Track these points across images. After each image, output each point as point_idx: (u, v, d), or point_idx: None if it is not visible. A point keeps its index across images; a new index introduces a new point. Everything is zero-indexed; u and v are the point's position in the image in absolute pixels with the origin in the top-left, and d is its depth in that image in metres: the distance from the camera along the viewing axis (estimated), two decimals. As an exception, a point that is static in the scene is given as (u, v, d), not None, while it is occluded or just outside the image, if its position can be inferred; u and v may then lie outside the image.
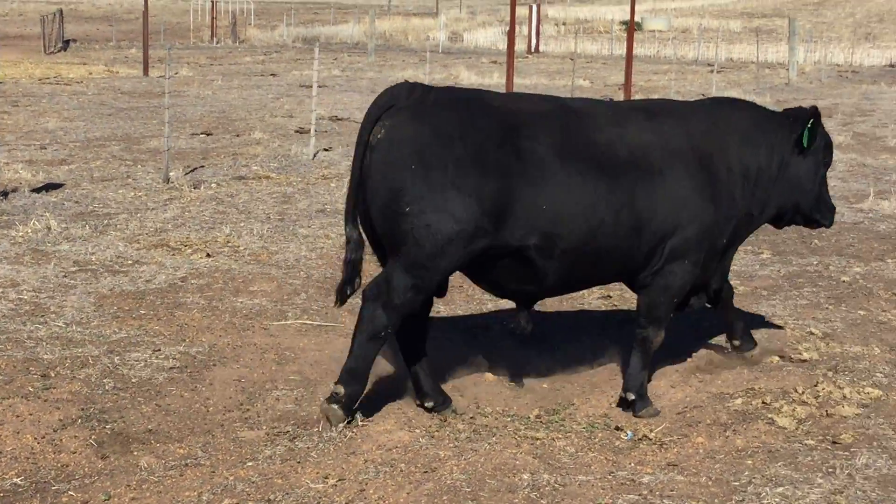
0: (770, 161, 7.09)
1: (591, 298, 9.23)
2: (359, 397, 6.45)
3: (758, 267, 10.39)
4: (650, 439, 6.45)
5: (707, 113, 7.04)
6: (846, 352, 7.94)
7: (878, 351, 7.94)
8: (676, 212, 6.64)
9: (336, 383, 6.39)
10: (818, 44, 40.94)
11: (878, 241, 11.27)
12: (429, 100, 6.30)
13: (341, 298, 6.56)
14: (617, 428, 6.62)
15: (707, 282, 7.28)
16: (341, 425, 6.34)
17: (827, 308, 9.01)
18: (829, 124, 20.79)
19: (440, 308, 8.88)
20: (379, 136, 6.19)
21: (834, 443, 6.38)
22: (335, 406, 6.33)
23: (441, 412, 6.70)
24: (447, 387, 7.01)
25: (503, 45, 43.22)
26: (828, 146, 7.40)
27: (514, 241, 6.31)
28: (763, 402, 6.95)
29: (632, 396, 6.86)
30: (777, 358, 7.78)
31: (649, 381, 7.10)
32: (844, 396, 7.05)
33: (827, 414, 6.78)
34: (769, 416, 6.75)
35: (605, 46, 41.98)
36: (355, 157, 6.28)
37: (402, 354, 6.84)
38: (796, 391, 7.11)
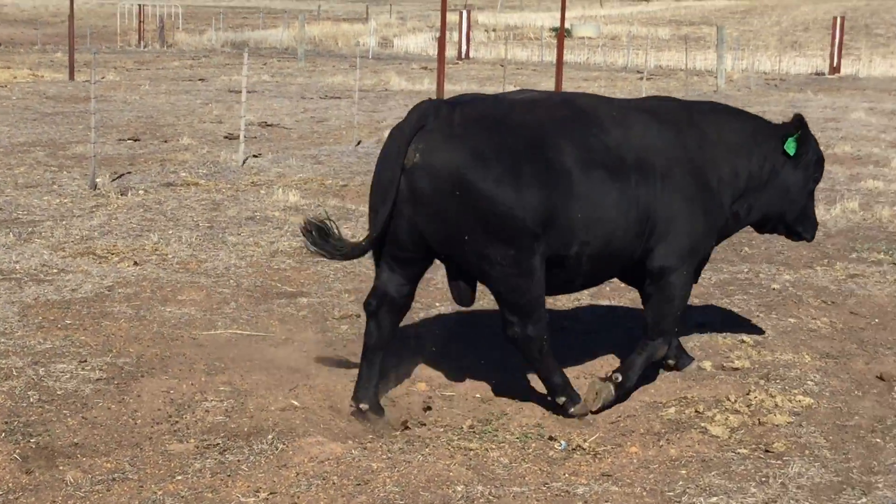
0: (761, 168, 7.27)
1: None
2: (580, 399, 6.84)
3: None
4: (584, 449, 6.44)
5: (704, 119, 7.20)
6: (777, 360, 7.99)
7: (808, 359, 8.00)
8: (673, 215, 6.83)
9: (559, 400, 6.79)
10: (745, 52, 41.38)
11: (807, 249, 11.35)
12: (456, 118, 6.34)
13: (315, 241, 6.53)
14: (550, 438, 6.60)
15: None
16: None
17: (758, 316, 9.06)
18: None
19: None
20: (416, 162, 6.25)
21: (767, 451, 6.41)
22: (579, 406, 6.80)
23: (371, 420, 6.71)
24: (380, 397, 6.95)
25: (433, 51, 43.23)
26: (819, 161, 7.57)
27: (556, 251, 6.52)
28: (696, 411, 6.97)
29: (620, 379, 7.01)
30: (709, 366, 7.81)
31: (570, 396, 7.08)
32: (776, 405, 7.09)
33: (759, 422, 6.82)
34: (702, 424, 6.77)
35: (536, 53, 42.11)
36: (391, 181, 6.27)
37: (366, 350, 6.79)
38: (729, 400, 7.13)
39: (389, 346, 6.91)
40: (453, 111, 6.39)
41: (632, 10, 76.37)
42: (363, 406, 6.72)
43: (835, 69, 35.95)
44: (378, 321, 6.75)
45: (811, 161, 7.49)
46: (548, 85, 29.73)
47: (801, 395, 7.24)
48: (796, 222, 7.64)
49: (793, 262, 10.96)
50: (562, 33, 23.34)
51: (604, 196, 6.55)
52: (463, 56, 39.77)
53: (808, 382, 7.54)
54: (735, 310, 9.24)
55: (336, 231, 6.55)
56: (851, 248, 11.44)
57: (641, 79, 30.05)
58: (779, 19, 67.49)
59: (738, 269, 10.56)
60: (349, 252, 6.60)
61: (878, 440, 6.60)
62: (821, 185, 14.35)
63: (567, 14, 53.19)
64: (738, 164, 7.19)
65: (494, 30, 55.24)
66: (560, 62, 22.98)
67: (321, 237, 6.48)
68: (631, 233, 6.70)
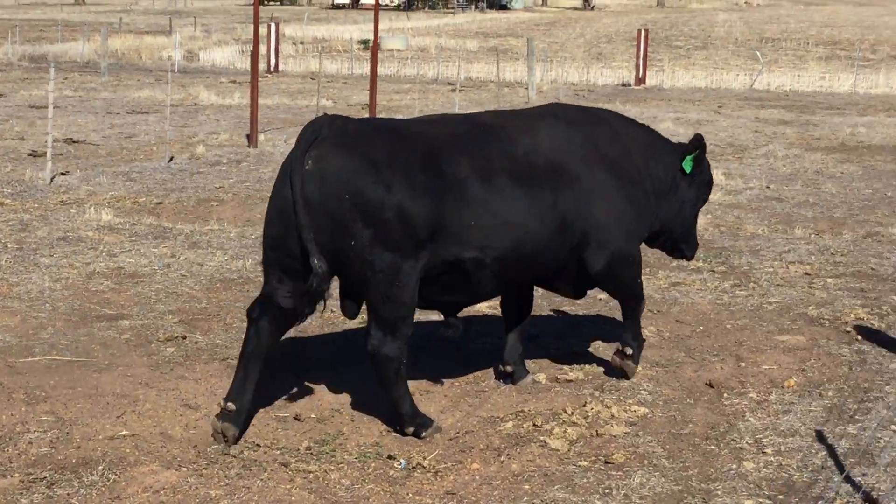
0: (665, 177, 7.66)
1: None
2: (431, 422, 6.86)
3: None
4: (424, 467, 6.38)
5: (608, 121, 7.59)
6: (610, 370, 8.07)
7: (639, 368, 8.10)
8: (599, 212, 7.16)
9: (407, 429, 6.78)
10: (553, 63, 42.06)
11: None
12: (349, 129, 6.57)
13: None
14: (389, 457, 6.53)
15: None
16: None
17: (588, 327, 9.16)
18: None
19: (197, 338, 8.63)
20: (308, 168, 6.37)
21: (607, 462, 6.46)
22: (430, 429, 6.81)
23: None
24: (206, 423, 6.76)
25: (241, 64, 42.73)
26: (709, 183, 8.00)
27: (450, 257, 6.68)
28: (534, 425, 6.98)
29: (630, 350, 7.67)
30: (544, 378, 7.86)
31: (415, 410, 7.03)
32: (612, 415, 7.16)
33: (597, 434, 6.87)
34: (541, 438, 6.79)
35: (346, 65, 41.97)
36: (292, 188, 6.36)
37: (243, 356, 6.76)
38: (566, 412, 7.18)
39: (269, 357, 6.81)
40: (347, 123, 6.64)
41: (438, 22, 76.97)
42: (231, 406, 6.60)
43: (640, 80, 36.79)
44: (258, 329, 6.68)
45: (703, 181, 7.90)
46: (360, 98, 29.72)
47: (635, 405, 7.33)
48: (681, 239, 8.03)
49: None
50: (375, 45, 23.31)
51: (508, 203, 6.76)
52: (272, 69, 39.41)
53: (642, 392, 7.65)
54: (565, 320, 9.32)
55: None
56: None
57: (454, 90, 30.23)
58: (583, 31, 68.92)
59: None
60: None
61: (713, 447, 6.72)
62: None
63: (372, 27, 53.16)
64: (649, 163, 7.57)
65: (302, 42, 54.92)
66: (374, 74, 22.95)
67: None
68: (547, 235, 6.95)
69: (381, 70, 33.30)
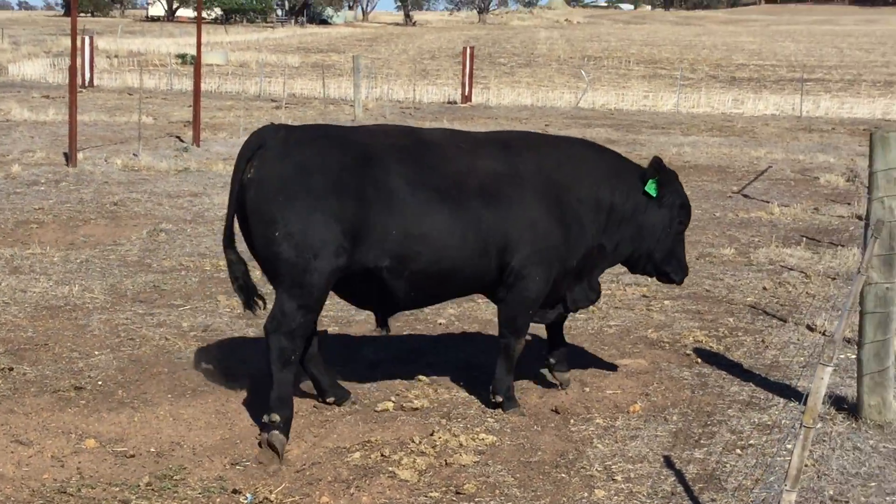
0: (624, 203, 7.87)
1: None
2: (290, 420, 7.11)
3: (354, 311, 10.44)
4: (272, 501, 6.30)
5: (564, 148, 7.97)
6: (455, 397, 8.10)
7: (485, 394, 8.15)
8: (520, 233, 7.41)
9: (270, 412, 7.01)
10: (378, 80, 42.20)
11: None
12: (292, 138, 7.10)
13: (251, 308, 7.50)
14: (235, 491, 6.43)
15: (563, 297, 8.03)
16: (285, 447, 7.00)
17: (429, 352, 9.17)
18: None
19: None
20: (249, 175, 6.99)
21: (458, 493, 6.47)
22: (276, 432, 6.95)
23: (342, 404, 7.76)
24: (39, 460, 6.56)
25: (53, 78, 41.79)
26: (683, 206, 8.13)
27: (369, 263, 7.13)
28: (382, 455, 6.96)
29: (499, 398, 7.78)
30: (391, 406, 7.84)
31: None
32: (461, 444, 7.18)
33: (446, 463, 6.88)
34: (390, 468, 6.77)
35: (164, 80, 41.37)
36: (231, 193, 7.07)
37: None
38: (413, 441, 7.17)
39: (321, 355, 7.80)
40: (291, 132, 7.21)
41: (258, 36, 76.50)
42: (329, 400, 7.78)
43: (466, 98, 37.17)
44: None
45: (674, 204, 8.05)
46: (182, 115, 29.29)
47: (483, 433, 7.37)
48: (664, 263, 8.18)
49: (454, 295, 11.17)
50: (199, 60, 23.00)
51: (430, 216, 7.15)
52: (87, 84, 38.57)
53: (489, 420, 7.69)
54: (406, 347, 9.32)
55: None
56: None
57: (278, 107, 30.09)
58: (405, 48, 69.34)
59: (402, 305, 10.64)
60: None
61: (563, 475, 6.79)
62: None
63: (189, 40, 52.44)
64: (599, 192, 7.78)
65: (117, 56, 53.97)
66: (198, 91, 22.64)
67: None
68: (468, 251, 7.27)
69: (202, 86, 32.88)
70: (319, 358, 7.85)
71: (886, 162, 7.33)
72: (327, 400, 7.83)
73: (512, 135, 8.10)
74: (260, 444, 7.06)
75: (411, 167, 7.23)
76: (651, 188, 7.92)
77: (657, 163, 7.97)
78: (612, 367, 8.91)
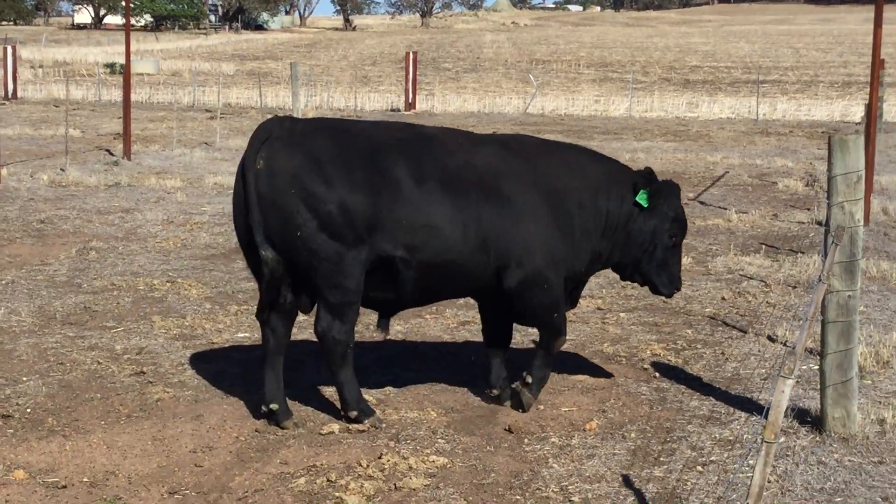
0: (619, 208, 8.17)
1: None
2: (372, 413, 7.90)
3: (295, 329, 10.40)
4: (213, 533, 6.27)
5: (562, 153, 8.31)
6: (404, 418, 8.09)
7: (434, 415, 8.16)
8: (523, 235, 7.77)
9: (351, 414, 7.83)
10: (318, 87, 42.16)
11: (412, 297, 11.58)
12: (297, 130, 7.53)
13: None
14: (173, 523, 6.38)
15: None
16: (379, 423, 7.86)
17: (376, 371, 9.16)
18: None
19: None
20: (259, 167, 7.39)
21: (409, 518, 6.46)
22: (372, 418, 7.84)
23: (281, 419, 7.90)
24: (-27, 493, 6.49)
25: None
26: (677, 220, 8.35)
27: (384, 252, 7.54)
28: (328, 480, 6.94)
29: (530, 379, 8.14)
30: (337, 429, 7.82)
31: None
32: (410, 467, 7.17)
33: (396, 487, 6.87)
34: (337, 494, 6.75)
35: (92, 91, 41.11)
36: (245, 185, 7.44)
37: (267, 356, 7.93)
38: (361, 465, 7.16)
39: (286, 351, 8.01)
40: (296, 123, 7.63)
41: (190, 43, 76.21)
42: (273, 406, 7.83)
43: (411, 105, 37.23)
44: (271, 329, 7.86)
45: (668, 216, 8.28)
46: (111, 127, 29.12)
47: (433, 455, 7.36)
48: (653, 274, 8.42)
49: (401, 313, 11.15)
50: (128, 69, 22.87)
51: (433, 207, 7.55)
52: (10, 96, 38.26)
53: (439, 441, 7.69)
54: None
55: None
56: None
57: (213, 118, 29.99)
58: (345, 53, 69.35)
59: (347, 322, 10.62)
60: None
61: (518, 497, 6.80)
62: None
63: (119, 48, 52.08)
64: (598, 198, 8.10)
65: (42, 66, 53.60)
66: (128, 102, 22.52)
67: None
68: (469, 246, 7.66)
69: (132, 96, 32.69)
70: (280, 362, 7.99)
71: (846, 165, 7.41)
72: (271, 406, 7.89)
73: (514, 136, 8.69)
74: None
75: (414, 159, 7.64)
76: (642, 199, 8.16)
77: (648, 174, 8.25)
78: (567, 384, 8.94)
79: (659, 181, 8.31)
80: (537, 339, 8.46)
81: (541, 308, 8.06)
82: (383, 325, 8.24)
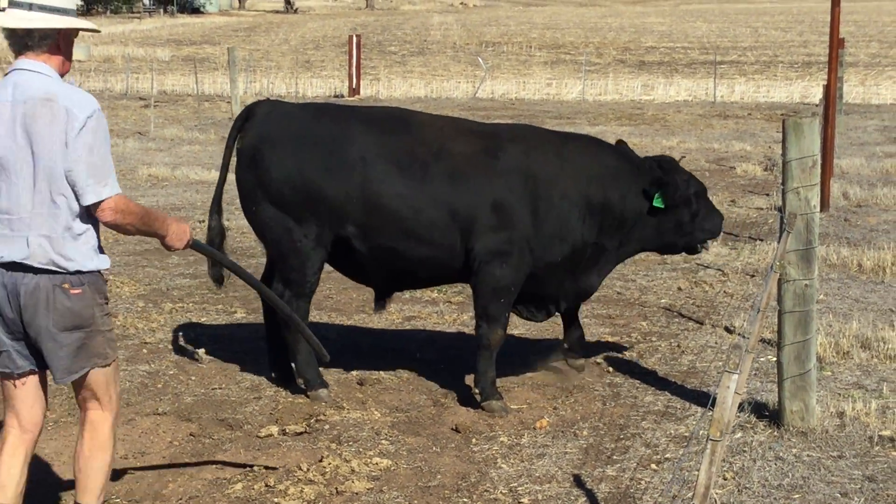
0: (622, 203, 8.47)
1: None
2: (321, 385, 8.50)
3: (233, 328, 10.39)
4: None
5: (558, 145, 8.57)
6: (346, 419, 8.08)
7: (378, 415, 8.15)
8: (484, 216, 8.11)
9: (297, 378, 8.60)
10: (257, 73, 41.98)
11: (356, 291, 11.58)
12: (275, 111, 8.39)
13: (219, 281, 8.75)
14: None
15: (556, 298, 8.69)
16: None
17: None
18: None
19: None
20: (239, 146, 8.29)
21: (351, 524, 6.45)
22: (318, 391, 8.46)
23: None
24: None
25: None
26: (697, 193, 8.76)
27: (341, 232, 8.16)
28: (266, 485, 6.91)
29: (478, 393, 8.29)
30: (275, 431, 7.79)
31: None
32: (353, 470, 7.16)
33: (337, 491, 6.85)
34: (275, 500, 6.74)
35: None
36: (223, 163, 8.56)
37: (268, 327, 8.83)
38: (301, 469, 7.14)
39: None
40: (274, 106, 8.50)
41: (123, 28, 75.67)
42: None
43: (354, 90, 37.08)
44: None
45: (686, 197, 8.65)
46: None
47: (377, 457, 7.35)
48: (699, 239, 8.88)
49: (344, 307, 11.16)
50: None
51: (394, 189, 8.06)
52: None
53: (383, 442, 7.68)
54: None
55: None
56: (403, 287, 11.74)
57: (147, 106, 29.81)
58: (287, 37, 69.06)
59: (287, 319, 10.58)
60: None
61: (465, 500, 6.80)
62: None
63: (52, 34, 51.54)
64: (589, 190, 8.36)
65: (-36, 53, 53.07)
66: (55, 90, 22.30)
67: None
68: (432, 230, 8.12)
69: (61, 84, 32.35)
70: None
71: (800, 150, 7.45)
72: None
73: (513, 127, 9.33)
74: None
75: (379, 142, 8.18)
76: (658, 202, 8.50)
77: (658, 179, 8.48)
78: (518, 380, 8.95)
79: (667, 182, 8.51)
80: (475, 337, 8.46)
81: (493, 293, 8.22)
82: (380, 304, 8.84)
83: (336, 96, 37.39)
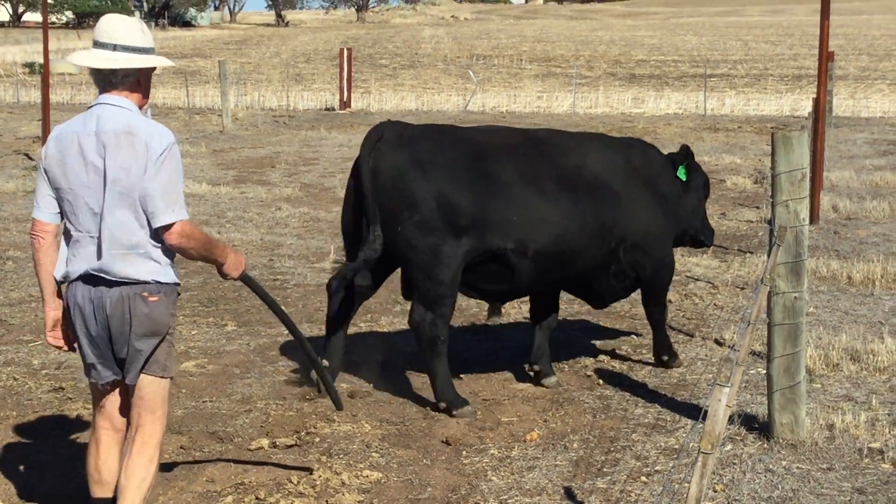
0: (675, 189, 9.59)
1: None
2: (457, 395, 8.49)
3: (224, 341, 10.38)
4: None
5: (634, 147, 9.56)
6: (336, 431, 8.07)
7: (368, 427, 8.14)
8: (633, 218, 9.04)
9: (438, 402, 8.47)
10: (248, 86, 42.01)
11: (347, 304, 11.55)
12: (406, 133, 8.50)
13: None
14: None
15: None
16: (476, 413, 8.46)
17: (308, 383, 9.11)
18: (273, 176, 21.35)
19: None
20: (370, 166, 8.31)
21: (341, 537, 6.44)
22: (460, 409, 8.42)
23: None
24: None
25: None
26: (707, 183, 10.09)
27: (492, 246, 8.41)
28: (257, 498, 6.91)
29: (665, 357, 9.55)
30: (266, 444, 7.78)
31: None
32: (343, 483, 7.16)
33: (328, 504, 6.86)
34: (266, 513, 6.72)
35: (10, 92, 40.76)
36: (356, 184, 8.45)
37: (329, 322, 8.96)
38: (291, 481, 7.13)
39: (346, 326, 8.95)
40: (406, 128, 8.60)
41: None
42: (326, 362, 8.47)
43: (346, 104, 37.12)
44: (338, 300, 8.80)
45: (701, 184, 9.91)
46: (30, 129, 28.90)
47: (367, 470, 7.35)
48: (699, 233, 10.00)
49: (334, 319, 11.12)
50: (47, 69, 22.71)
51: (548, 204, 8.54)
52: (-78, 98, 37.84)
53: (373, 454, 7.67)
54: (281, 378, 9.27)
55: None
56: (395, 300, 11.73)
57: (137, 119, 29.68)
58: (278, 50, 69.16)
59: (277, 332, 10.58)
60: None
61: (455, 512, 6.80)
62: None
63: (39, 47, 51.84)
64: (662, 178, 9.47)
65: (-45, 66, 53.03)
66: (46, 102, 22.35)
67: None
68: (585, 237, 8.70)
69: (52, 97, 32.43)
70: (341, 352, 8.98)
71: (790, 163, 7.47)
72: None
73: (591, 134, 10.29)
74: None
75: (525, 161, 8.66)
76: (682, 173, 9.61)
77: (686, 150, 9.69)
78: (508, 393, 8.95)
79: (693, 157, 9.74)
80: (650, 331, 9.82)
81: (662, 287, 9.54)
82: (496, 310, 9.62)
83: (327, 109, 37.40)
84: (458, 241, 8.29)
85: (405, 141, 8.44)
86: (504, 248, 8.42)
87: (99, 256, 5.69)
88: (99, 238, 5.69)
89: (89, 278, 5.74)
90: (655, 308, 9.55)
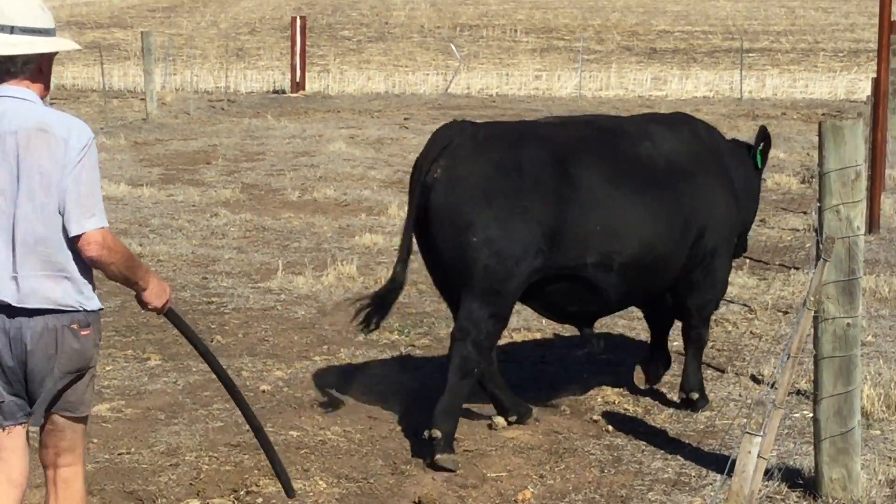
0: (746, 177, 10.00)
1: None
2: (452, 435, 8.54)
3: (146, 379, 10.37)
4: None
5: (702, 128, 9.93)
6: (283, 491, 8.06)
7: (323, 485, 8.15)
8: (710, 210, 9.37)
9: (432, 427, 8.42)
10: (178, 64, 41.93)
11: (297, 333, 11.60)
12: (480, 136, 8.81)
13: (366, 325, 9.14)
14: None
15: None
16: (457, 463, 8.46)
17: (247, 430, 9.11)
18: (208, 174, 21.32)
19: None
20: (437, 175, 8.61)
21: None
22: (441, 456, 8.40)
23: (525, 421, 9.29)
24: None
25: None
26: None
27: (572, 262, 8.77)
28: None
29: (695, 395, 9.60)
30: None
31: None
32: (296, 556, 7.17)
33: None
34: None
35: None
36: (412, 199, 8.78)
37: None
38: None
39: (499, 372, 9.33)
40: (478, 129, 8.93)
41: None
42: (511, 418, 9.24)
43: (299, 85, 37.04)
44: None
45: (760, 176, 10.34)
46: None
47: (327, 542, 7.37)
48: (743, 236, 10.35)
49: (282, 352, 11.14)
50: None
51: (636, 206, 8.93)
52: None
53: (336, 526, 7.69)
54: (217, 424, 9.27)
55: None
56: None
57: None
58: (215, 19, 69.09)
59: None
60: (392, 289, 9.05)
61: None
62: (308, 244, 14.81)
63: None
64: (731, 164, 9.82)
65: None
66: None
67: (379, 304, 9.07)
68: (672, 240, 9.13)
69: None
70: (498, 375, 9.31)
71: (840, 159, 7.47)
72: (510, 419, 9.26)
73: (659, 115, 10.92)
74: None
75: (606, 158, 9.03)
76: (758, 159, 10.03)
77: (764, 132, 10.04)
78: (497, 442, 8.97)
79: (770, 139, 10.09)
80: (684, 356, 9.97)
81: (712, 288, 9.69)
82: (588, 336, 9.62)
83: (276, 92, 37.38)
84: (536, 257, 8.63)
85: (480, 145, 8.77)
86: (585, 262, 8.78)
87: (11, 282, 5.69)
88: (9, 259, 5.69)
89: (4, 307, 5.73)
90: (702, 327, 9.79)
